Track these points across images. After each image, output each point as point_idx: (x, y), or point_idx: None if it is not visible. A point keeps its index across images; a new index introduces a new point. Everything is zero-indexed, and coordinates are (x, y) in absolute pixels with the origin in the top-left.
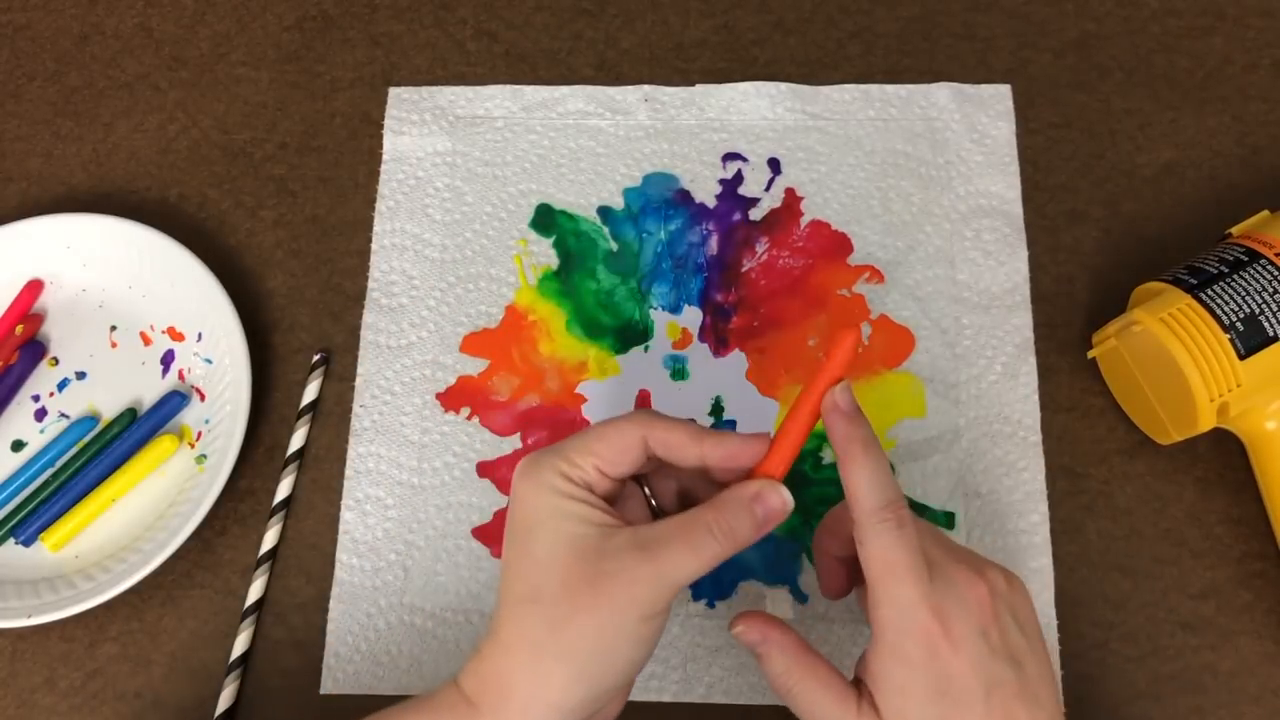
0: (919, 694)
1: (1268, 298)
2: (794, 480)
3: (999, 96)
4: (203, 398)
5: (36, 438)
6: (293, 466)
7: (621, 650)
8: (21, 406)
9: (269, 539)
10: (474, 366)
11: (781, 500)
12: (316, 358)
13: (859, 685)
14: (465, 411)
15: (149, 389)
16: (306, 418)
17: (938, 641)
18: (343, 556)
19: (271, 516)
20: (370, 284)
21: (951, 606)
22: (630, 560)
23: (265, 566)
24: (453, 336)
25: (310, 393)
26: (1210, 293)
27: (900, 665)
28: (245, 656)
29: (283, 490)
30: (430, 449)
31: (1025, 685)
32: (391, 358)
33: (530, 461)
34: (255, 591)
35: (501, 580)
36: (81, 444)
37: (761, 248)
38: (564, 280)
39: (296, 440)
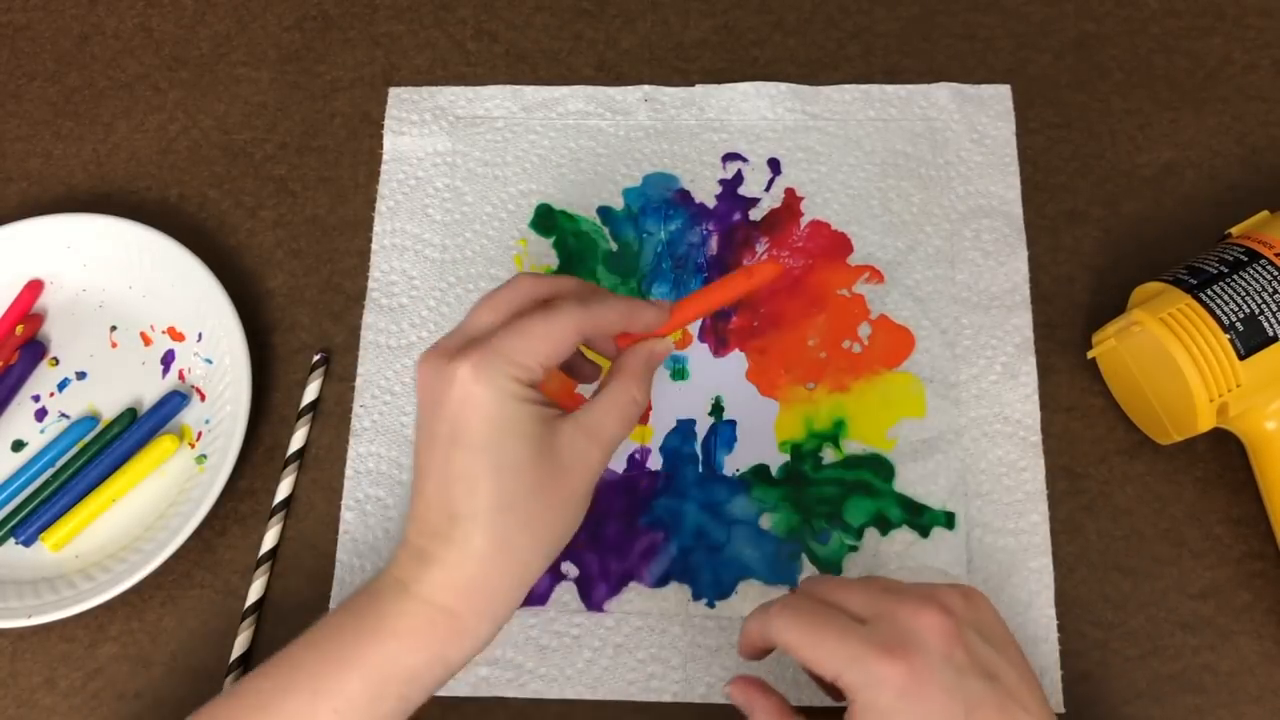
0: None
1: (1267, 298)
2: (794, 481)
3: (999, 96)
4: (203, 398)
5: (37, 438)
6: (293, 466)
7: (577, 521)
8: (21, 406)
9: (269, 539)
10: None
11: (666, 347)
12: (316, 358)
13: None
14: None
15: (149, 389)
16: (307, 418)
17: (903, 681)
18: (343, 557)
19: (272, 516)
20: (370, 284)
21: (907, 643)
22: (582, 448)
23: (265, 567)
24: None
25: (310, 393)
26: (1210, 293)
27: (877, 717)
28: (246, 657)
29: (283, 490)
30: None
31: (1007, 697)
32: (392, 358)
33: (475, 365)
34: (255, 591)
35: (452, 485)
36: (82, 444)
37: (761, 248)
38: None
39: (297, 440)
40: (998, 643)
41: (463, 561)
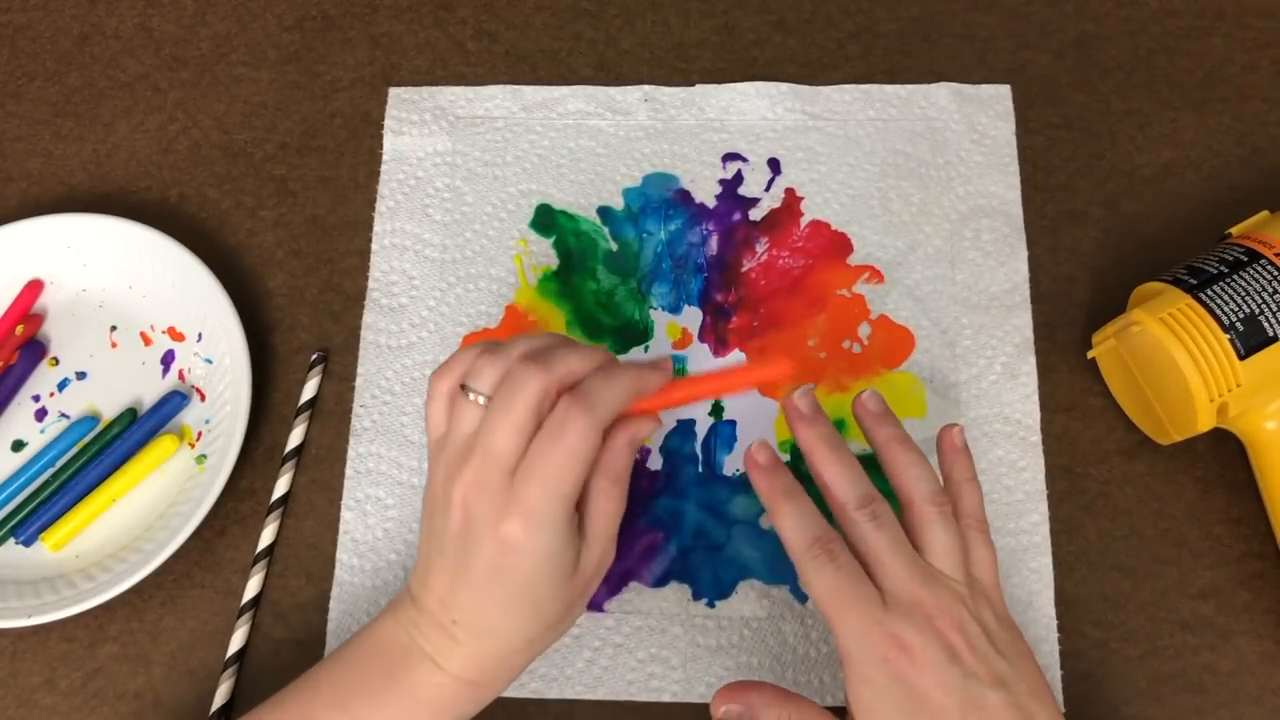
0: (889, 714)
1: (1267, 298)
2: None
3: (999, 96)
4: (203, 398)
5: (37, 438)
6: (290, 463)
7: (587, 601)
8: (22, 406)
9: (266, 535)
10: None
11: (650, 428)
12: (314, 357)
13: (846, 714)
14: None
15: (149, 389)
16: (304, 415)
17: (900, 665)
18: (343, 557)
19: (269, 513)
20: (370, 284)
21: (910, 631)
22: (598, 558)
23: (262, 563)
24: (453, 336)
25: (309, 390)
26: (1210, 293)
27: (868, 689)
28: (243, 654)
29: (280, 487)
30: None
31: (1015, 707)
32: (392, 358)
33: (526, 514)
34: (252, 588)
35: (488, 607)
36: (82, 444)
37: (761, 248)
38: (564, 280)
39: (294, 438)
40: (1011, 653)
41: (493, 651)
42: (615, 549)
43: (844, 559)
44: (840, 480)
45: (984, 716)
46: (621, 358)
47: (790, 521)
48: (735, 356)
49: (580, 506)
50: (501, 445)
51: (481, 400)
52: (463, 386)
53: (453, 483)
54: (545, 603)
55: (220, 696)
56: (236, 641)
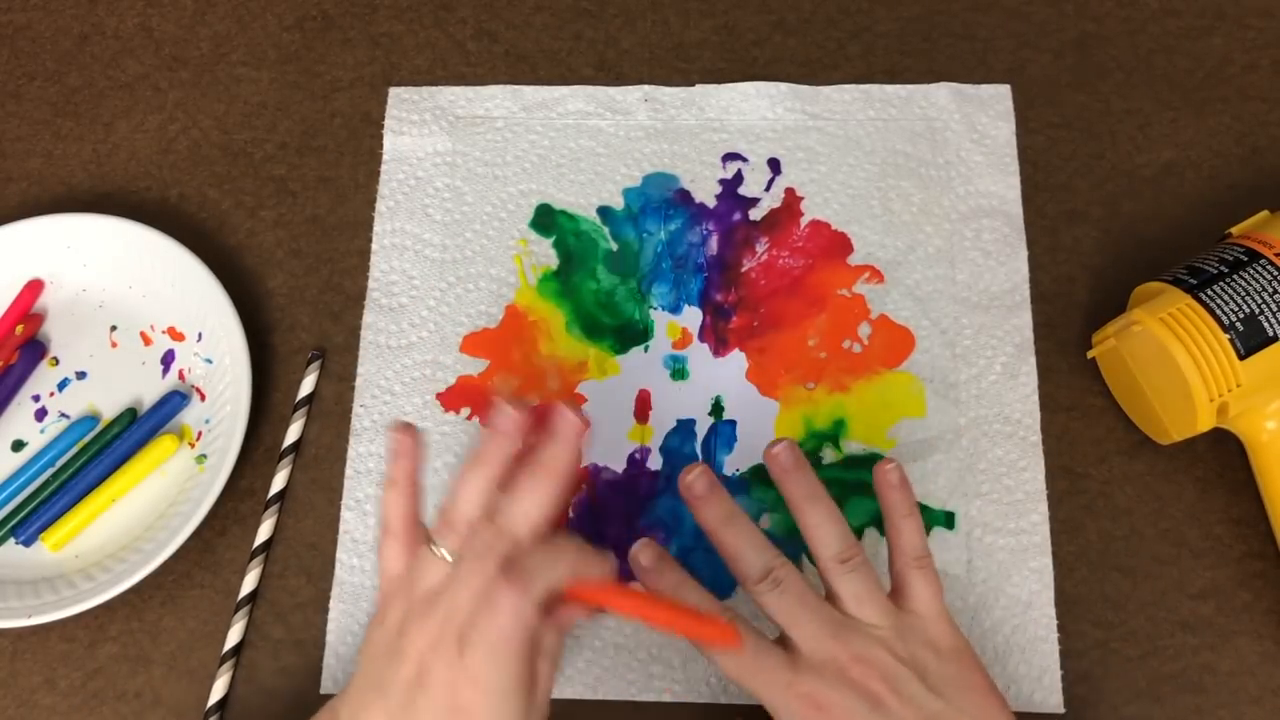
0: None
1: (1267, 298)
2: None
3: (999, 96)
4: (203, 398)
5: (37, 438)
6: (287, 460)
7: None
8: (22, 406)
9: (263, 531)
10: (474, 366)
11: (577, 617)
12: (310, 355)
13: None
14: (465, 412)
15: (149, 389)
16: (302, 411)
17: (806, 706)
18: (343, 556)
19: (266, 509)
20: (370, 284)
21: (823, 688)
22: (547, 671)
23: (259, 559)
24: (453, 336)
25: (306, 385)
26: (1210, 293)
27: None
28: (240, 651)
29: (277, 484)
30: (430, 449)
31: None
32: (392, 358)
33: (485, 661)
34: (249, 584)
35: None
36: (82, 444)
37: (761, 248)
38: (564, 280)
39: (292, 434)
40: (954, 689)
41: None
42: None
43: (747, 635)
44: (743, 554)
45: None
46: (621, 358)
47: (693, 599)
48: (735, 356)
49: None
50: (463, 611)
51: (448, 557)
52: (429, 540)
53: (409, 634)
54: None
55: (216, 692)
56: (233, 637)
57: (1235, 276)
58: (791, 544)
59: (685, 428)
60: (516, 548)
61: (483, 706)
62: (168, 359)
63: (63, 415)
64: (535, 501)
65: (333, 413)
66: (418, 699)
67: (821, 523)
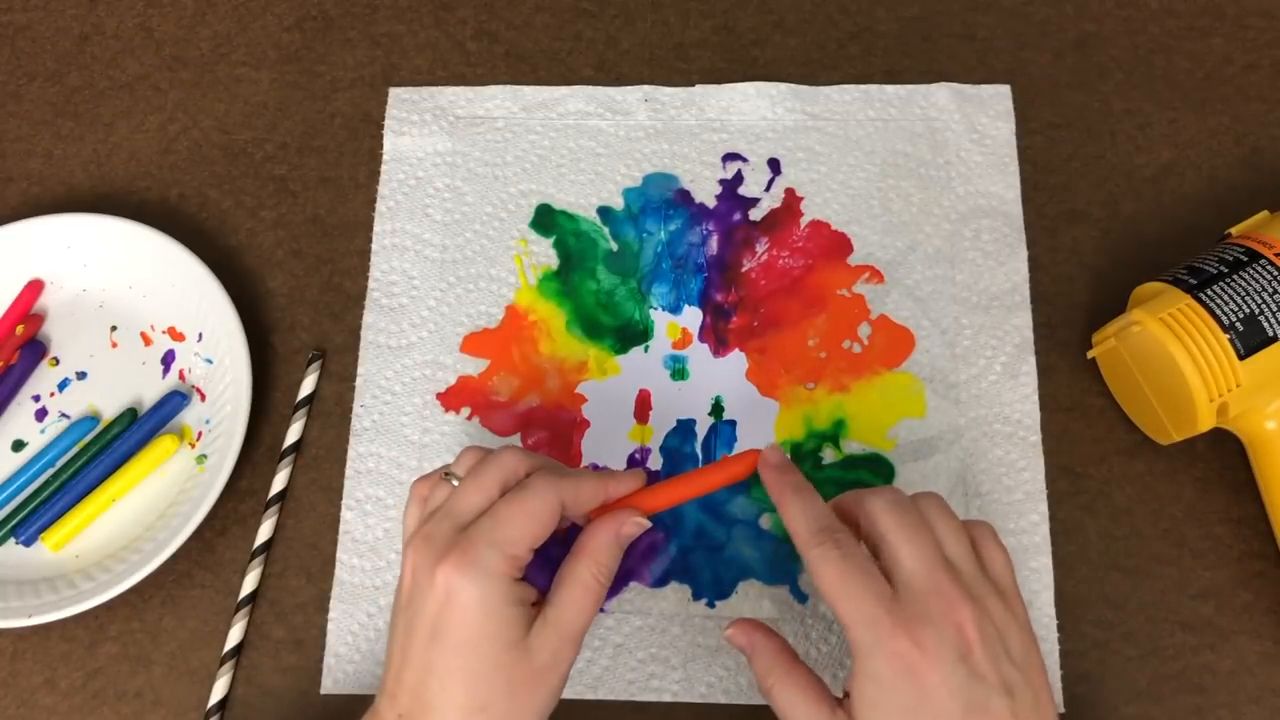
0: (891, 711)
1: (1267, 298)
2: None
3: (999, 96)
4: (203, 398)
5: (37, 438)
6: (288, 460)
7: (549, 709)
8: (22, 406)
9: (264, 531)
10: (474, 366)
11: (636, 524)
12: (310, 355)
13: (845, 699)
14: (465, 411)
15: (149, 389)
16: (302, 411)
17: (912, 659)
18: (343, 556)
19: (266, 509)
20: (370, 284)
21: (925, 627)
22: (554, 647)
23: (259, 559)
24: (453, 336)
25: (306, 386)
26: (1210, 293)
27: (872, 684)
28: (240, 651)
29: (278, 484)
30: (430, 449)
31: (1012, 716)
32: (392, 358)
33: (458, 565)
34: (249, 584)
35: (429, 680)
36: (82, 444)
37: (761, 248)
38: (564, 280)
39: (292, 434)
40: (1023, 663)
41: None
42: (579, 652)
43: (855, 551)
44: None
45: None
46: (621, 358)
47: (797, 511)
48: (735, 356)
49: (552, 592)
50: (462, 505)
51: (457, 482)
52: (444, 475)
53: (408, 547)
54: (485, 674)
55: (216, 692)
56: (233, 637)
57: (1235, 276)
58: (792, 544)
59: (685, 428)
60: (537, 465)
61: (467, 588)
62: (168, 359)
63: (63, 415)
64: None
65: (333, 413)
66: (414, 605)
67: (877, 492)
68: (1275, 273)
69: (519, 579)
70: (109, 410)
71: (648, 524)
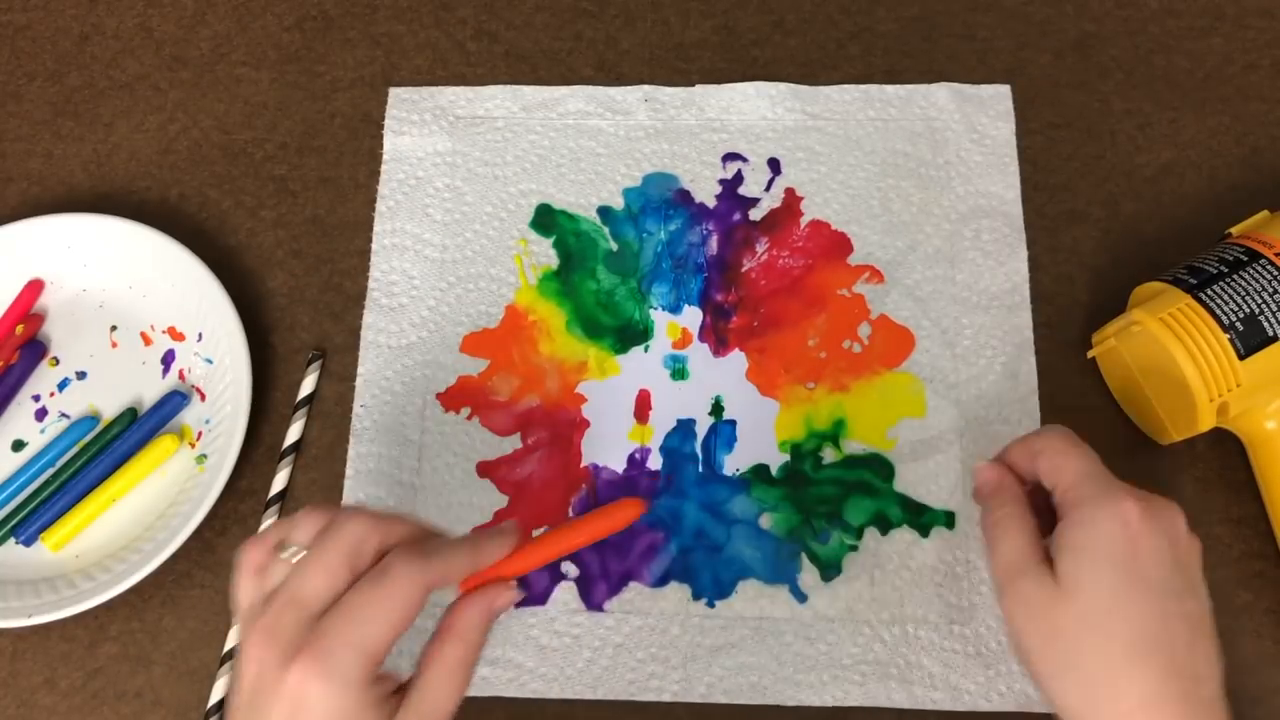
0: (1098, 554)
1: (1267, 298)
2: (794, 480)
3: (999, 96)
4: (203, 397)
5: (37, 438)
6: (287, 460)
7: None
8: (22, 406)
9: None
10: (474, 366)
11: (508, 599)
12: (310, 355)
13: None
14: (465, 411)
15: (149, 389)
16: (302, 411)
17: (1130, 518)
18: None
19: (266, 510)
20: (370, 284)
21: (1149, 505)
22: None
23: None
24: (453, 336)
25: (306, 386)
26: (1210, 293)
27: (1085, 529)
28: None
29: (278, 484)
30: (430, 449)
31: (1200, 620)
32: (392, 358)
33: (309, 671)
34: None
35: None
36: (82, 444)
37: (761, 248)
38: (564, 280)
39: (292, 434)
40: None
41: None
42: None
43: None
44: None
45: (1182, 614)
46: (621, 358)
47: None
48: (735, 356)
49: (417, 675)
50: (308, 589)
51: (296, 558)
52: (279, 545)
53: (247, 642)
54: None
55: (216, 692)
56: (234, 637)
57: (1235, 276)
58: (791, 543)
59: (685, 428)
60: (388, 536)
61: (320, 694)
62: (168, 359)
63: (63, 415)
64: (417, 526)
65: (333, 413)
66: (257, 706)
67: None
68: (1275, 272)
69: (378, 674)
70: (109, 410)
71: (520, 595)
